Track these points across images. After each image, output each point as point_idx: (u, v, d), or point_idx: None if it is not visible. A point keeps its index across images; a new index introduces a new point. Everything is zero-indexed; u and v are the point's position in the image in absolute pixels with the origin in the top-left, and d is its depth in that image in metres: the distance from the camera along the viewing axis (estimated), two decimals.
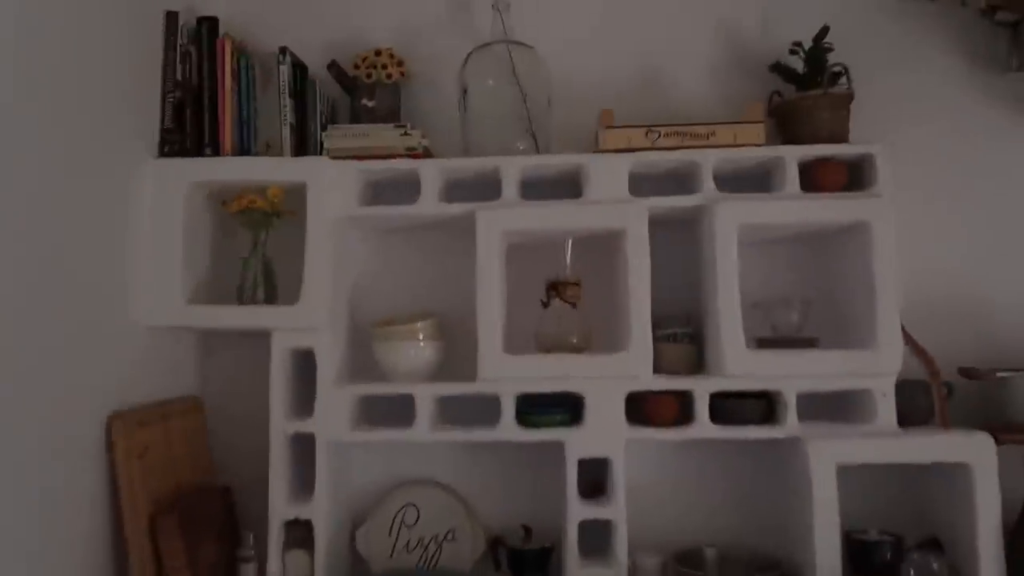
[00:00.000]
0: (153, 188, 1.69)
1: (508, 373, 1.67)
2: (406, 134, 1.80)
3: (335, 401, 1.70)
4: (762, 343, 1.75)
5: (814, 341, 1.73)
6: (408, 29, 1.99)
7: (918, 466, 1.66)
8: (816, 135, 1.76)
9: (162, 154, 1.72)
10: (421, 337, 1.76)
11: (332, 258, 1.72)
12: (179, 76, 1.75)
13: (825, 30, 1.80)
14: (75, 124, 1.47)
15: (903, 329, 1.66)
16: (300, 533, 1.70)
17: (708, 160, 1.71)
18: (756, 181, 1.82)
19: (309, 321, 1.68)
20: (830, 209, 1.67)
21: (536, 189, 1.86)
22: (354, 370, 1.84)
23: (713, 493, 1.84)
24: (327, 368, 1.70)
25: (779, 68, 1.85)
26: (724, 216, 1.66)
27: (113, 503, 1.51)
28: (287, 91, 1.79)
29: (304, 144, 1.82)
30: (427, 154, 1.83)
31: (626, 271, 1.68)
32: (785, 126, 1.83)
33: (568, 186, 1.87)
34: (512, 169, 1.73)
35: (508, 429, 1.68)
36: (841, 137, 1.77)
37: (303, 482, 1.72)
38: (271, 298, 1.78)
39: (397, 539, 1.83)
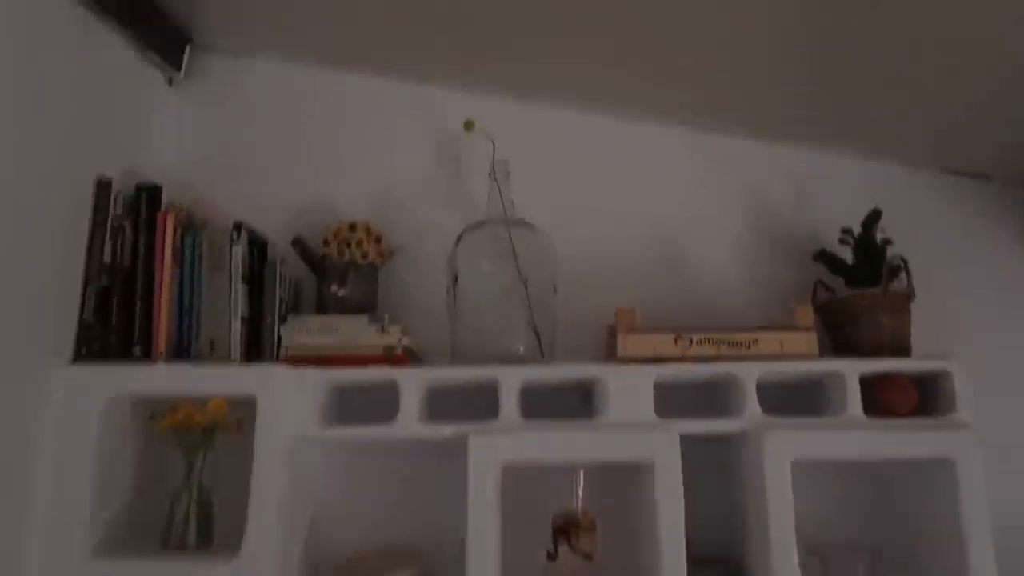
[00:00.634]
0: (61, 403, 1.33)
1: None
2: (383, 330, 1.48)
3: None
4: None
5: None
6: (388, 198, 1.71)
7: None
8: (876, 342, 1.47)
9: (77, 358, 1.38)
10: None
11: (286, 491, 1.36)
12: (107, 258, 1.42)
13: (876, 215, 1.54)
14: None
15: None
16: None
17: (751, 375, 1.41)
18: (804, 394, 1.52)
19: None
20: (905, 443, 1.36)
21: (539, 396, 1.54)
22: None
23: None
24: None
25: (825, 257, 1.58)
26: (775, 449, 1.35)
27: None
28: (240, 276, 1.47)
29: (258, 340, 1.49)
30: (408, 355, 1.51)
31: (654, 513, 1.34)
32: (835, 327, 1.54)
33: (579, 390, 1.55)
34: (512, 381, 1.41)
35: None
36: (903, 345, 1.49)
37: None
38: (206, 541, 1.41)
39: None
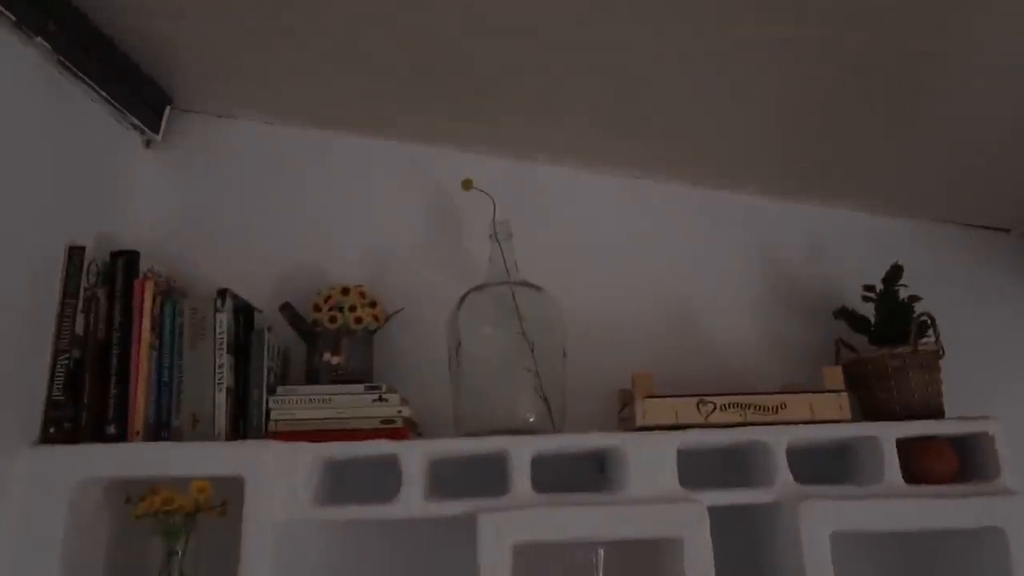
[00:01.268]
0: (27, 487, 1.20)
1: None
2: (381, 399, 1.37)
3: None
4: None
5: None
6: (382, 261, 1.61)
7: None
8: (907, 403, 1.38)
9: (45, 438, 1.25)
10: None
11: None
12: (79, 330, 1.31)
13: (898, 270, 1.48)
14: None
15: None
16: None
17: (781, 441, 1.31)
18: (835, 461, 1.43)
19: None
20: (950, 512, 1.26)
21: (549, 466, 1.43)
22: None
23: None
24: None
25: (847, 315, 1.50)
26: (813, 521, 1.24)
27: None
28: (225, 345, 1.36)
29: (245, 413, 1.37)
30: (408, 426, 1.39)
31: None
32: (861, 388, 1.45)
33: (591, 461, 1.44)
34: (523, 453, 1.30)
35: None
36: (935, 405, 1.40)
37: None
38: None
39: None
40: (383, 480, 1.30)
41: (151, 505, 1.26)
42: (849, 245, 1.64)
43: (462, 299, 1.44)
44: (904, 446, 1.34)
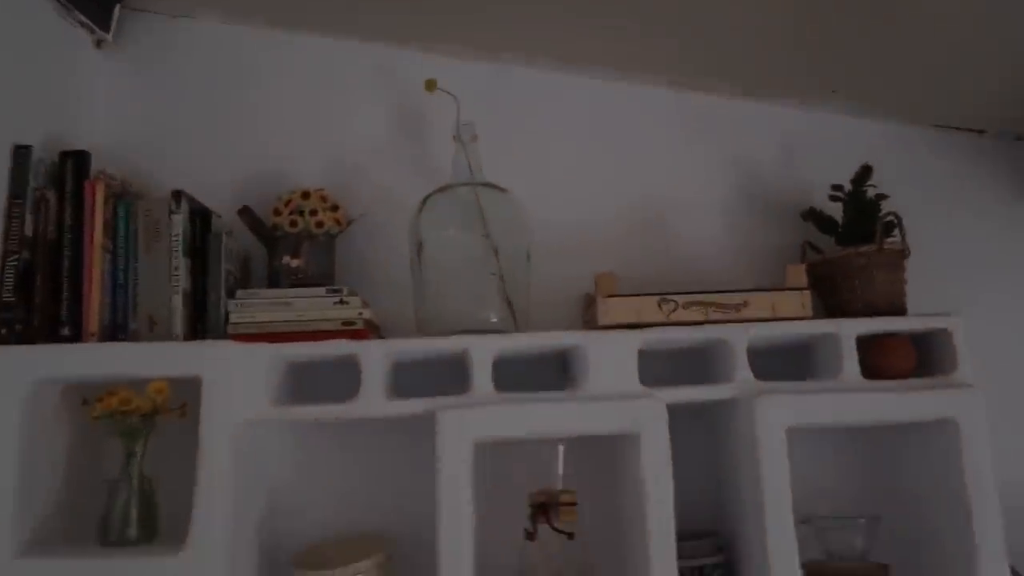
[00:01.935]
0: None
1: None
2: (342, 302, 1.36)
3: None
4: (815, 573, 1.32)
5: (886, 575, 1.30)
6: (345, 165, 1.58)
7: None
8: (871, 302, 1.38)
9: None
10: None
11: (236, 478, 1.23)
12: (28, 231, 1.28)
13: (867, 171, 1.46)
14: None
15: (1013, 571, 1.24)
16: None
17: (741, 339, 1.31)
18: (796, 360, 1.43)
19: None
20: (905, 405, 1.27)
21: (513, 367, 1.43)
22: None
23: None
24: None
25: (814, 216, 1.48)
26: (769, 415, 1.25)
27: None
28: (181, 248, 1.34)
29: (203, 318, 1.36)
30: (369, 329, 1.38)
31: (640, 487, 1.23)
32: (826, 289, 1.45)
33: (555, 362, 1.45)
34: (484, 352, 1.29)
35: None
36: (899, 304, 1.40)
37: None
38: (148, 535, 1.28)
39: None
40: (346, 383, 1.29)
41: (108, 406, 1.25)
42: (822, 148, 1.61)
43: (424, 200, 1.41)
44: (865, 344, 1.35)
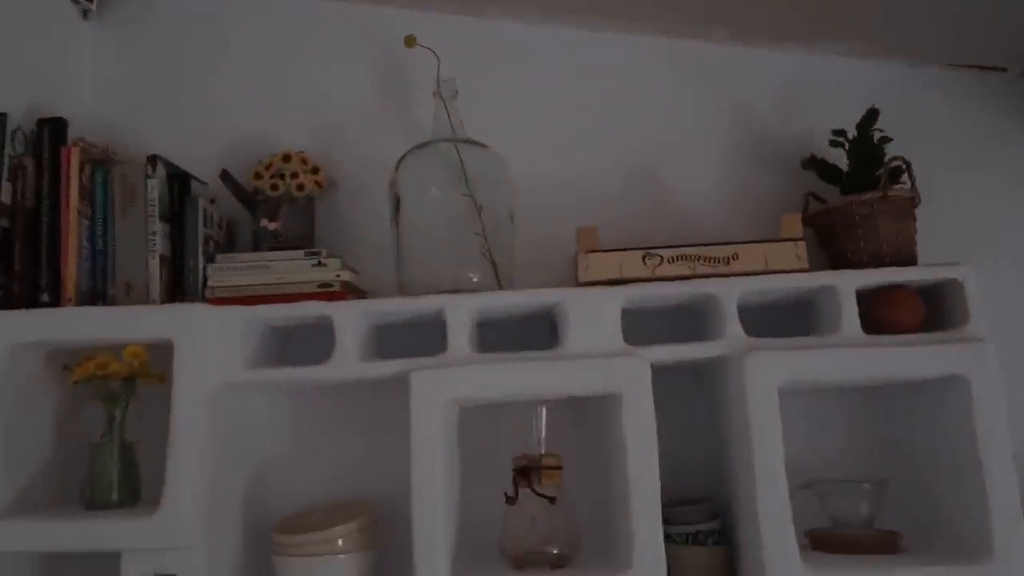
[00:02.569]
0: None
1: None
2: (320, 265, 1.33)
3: None
4: (819, 542, 1.25)
5: (896, 543, 1.22)
6: (326, 127, 1.55)
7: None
8: (876, 253, 1.29)
9: None
10: (341, 545, 1.24)
11: (212, 442, 1.22)
12: (6, 199, 1.29)
13: (873, 114, 1.36)
14: None
15: None
16: None
17: (731, 294, 1.24)
18: (795, 315, 1.35)
19: (173, 538, 1.17)
20: (910, 360, 1.19)
21: (498, 331, 1.39)
22: None
23: None
24: None
25: (816, 164, 1.40)
26: (760, 374, 1.18)
27: None
28: (157, 213, 1.33)
29: (181, 282, 1.35)
30: (350, 292, 1.36)
31: (623, 448, 1.18)
32: (829, 240, 1.37)
33: (541, 324, 1.40)
34: (461, 312, 1.25)
35: None
36: (907, 254, 1.31)
37: None
38: (131, 499, 1.28)
39: None
40: (327, 347, 1.27)
41: (86, 370, 1.25)
42: (825, 94, 1.52)
43: (402, 158, 1.37)
44: (869, 298, 1.26)
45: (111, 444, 1.28)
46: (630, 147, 1.51)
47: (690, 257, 1.26)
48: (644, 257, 1.26)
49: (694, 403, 1.37)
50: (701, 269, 1.25)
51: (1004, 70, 1.49)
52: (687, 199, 1.47)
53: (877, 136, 1.35)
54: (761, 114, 1.52)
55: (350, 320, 1.25)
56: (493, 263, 1.33)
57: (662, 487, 1.16)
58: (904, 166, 1.32)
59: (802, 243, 1.25)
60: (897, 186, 1.32)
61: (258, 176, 1.43)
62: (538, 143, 1.50)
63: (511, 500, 1.23)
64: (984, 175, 1.47)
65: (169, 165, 1.37)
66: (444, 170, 1.35)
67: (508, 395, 1.22)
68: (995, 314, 1.25)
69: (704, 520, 1.26)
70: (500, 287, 1.32)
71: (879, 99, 1.40)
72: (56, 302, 1.28)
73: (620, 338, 1.23)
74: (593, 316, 1.24)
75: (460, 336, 1.24)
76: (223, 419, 1.26)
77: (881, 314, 1.24)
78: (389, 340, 1.39)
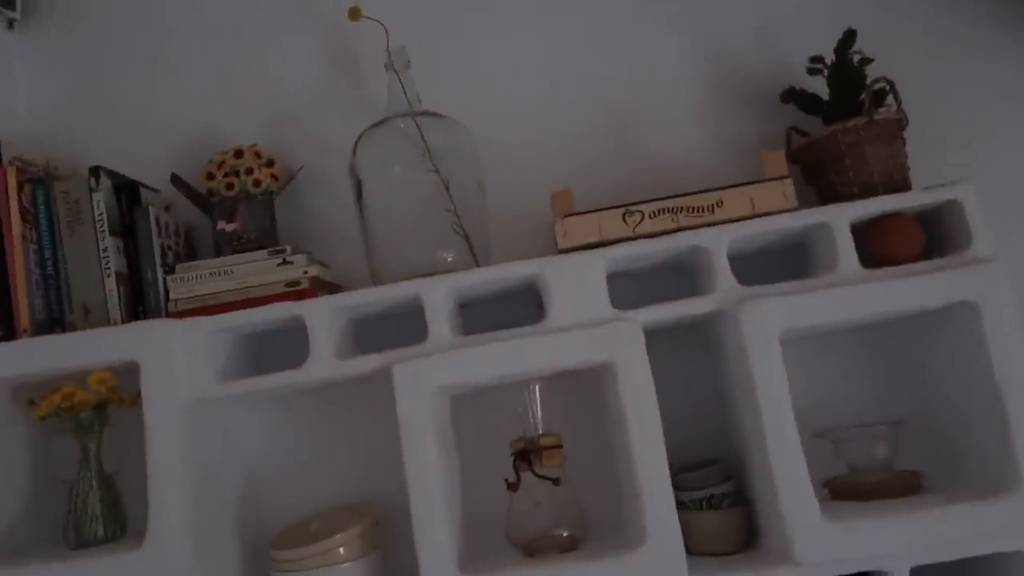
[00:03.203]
0: None
1: None
2: (285, 263, 1.26)
3: None
4: (839, 490, 1.19)
5: (918, 483, 1.16)
6: (277, 114, 1.47)
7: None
8: (868, 183, 1.22)
9: None
10: (343, 554, 1.19)
11: (193, 463, 1.15)
12: None
13: (851, 35, 1.28)
14: None
15: None
16: None
17: (720, 242, 1.16)
18: (788, 259, 1.29)
19: (162, 571, 1.11)
20: (913, 291, 1.12)
21: (482, 312, 1.32)
22: None
23: None
24: None
25: (795, 96, 1.32)
26: (758, 324, 1.11)
27: None
28: (107, 227, 1.25)
29: (142, 299, 1.28)
30: (321, 287, 1.28)
31: (623, 419, 1.12)
32: (817, 176, 1.29)
33: (527, 300, 1.33)
34: (437, 295, 1.18)
35: None
36: (900, 179, 1.23)
37: None
38: (118, 532, 1.22)
39: None
40: (305, 348, 1.20)
41: (51, 403, 1.19)
42: (801, 22, 1.43)
43: (358, 139, 1.29)
44: (864, 232, 1.20)
45: (89, 477, 1.21)
46: (599, 101, 1.43)
47: (672, 209, 1.18)
48: (624, 215, 1.19)
49: (691, 363, 1.30)
50: (685, 221, 1.18)
51: None
52: (665, 149, 1.40)
53: (856, 59, 1.27)
54: (735, 51, 1.43)
55: (322, 318, 1.18)
56: (467, 240, 1.26)
57: (668, 454, 1.11)
58: (888, 87, 1.24)
59: (788, 181, 1.18)
60: (882, 109, 1.24)
61: (211, 176, 1.35)
62: (502, 107, 1.42)
63: (513, 486, 1.17)
64: (973, 89, 1.39)
65: (114, 175, 1.29)
66: (405, 147, 1.28)
67: (497, 377, 1.16)
68: (1001, 234, 1.18)
69: (717, 483, 1.21)
70: (477, 265, 1.25)
71: (856, 20, 1.32)
72: (11, 335, 1.21)
73: (608, 304, 1.16)
74: (577, 283, 1.17)
75: (440, 321, 1.18)
76: (202, 437, 1.19)
77: (879, 246, 1.17)
78: (370, 333, 1.33)
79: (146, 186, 1.35)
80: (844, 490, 1.19)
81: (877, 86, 1.23)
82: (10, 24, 1.48)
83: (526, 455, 1.17)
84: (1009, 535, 1.07)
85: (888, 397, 1.27)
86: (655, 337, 1.18)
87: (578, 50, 1.44)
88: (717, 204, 1.18)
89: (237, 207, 1.32)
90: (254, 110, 1.46)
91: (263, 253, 1.28)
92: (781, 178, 1.18)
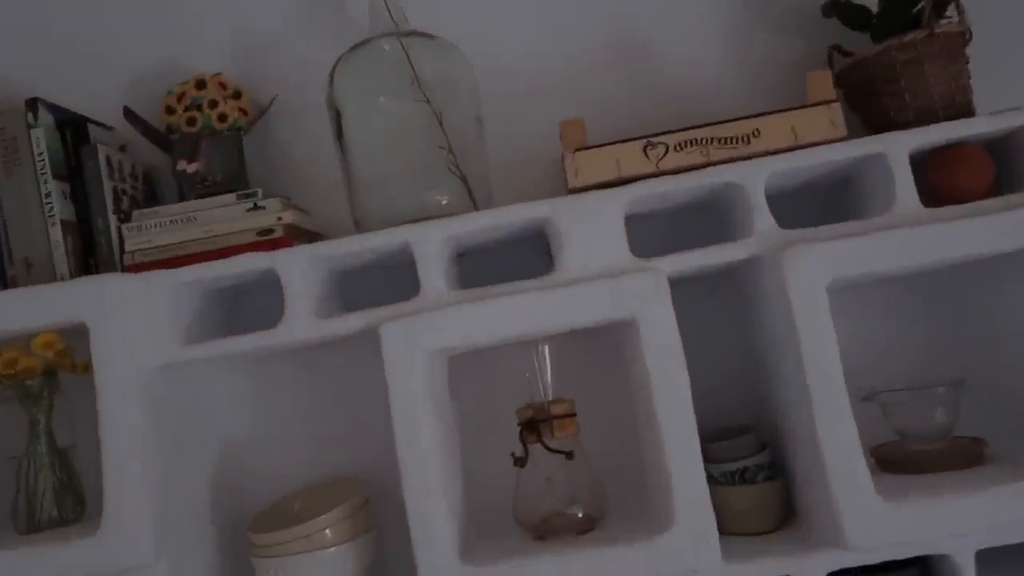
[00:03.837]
0: None
1: None
2: (256, 208, 1.10)
3: None
4: (888, 461, 1.05)
5: (980, 453, 1.02)
6: (249, 40, 1.29)
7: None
8: (926, 107, 1.05)
9: None
10: (329, 536, 1.05)
11: (155, 436, 1.01)
12: None
13: None
14: None
15: None
16: None
17: (757, 178, 1.00)
18: (834, 199, 1.13)
19: (121, 558, 0.97)
20: (984, 233, 0.96)
21: (485, 264, 1.17)
22: None
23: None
24: None
25: (839, 8, 1.14)
26: (803, 273, 0.95)
27: None
28: (49, 169, 1.09)
29: (93, 249, 1.12)
30: (298, 236, 1.13)
31: (647, 385, 0.97)
32: (864, 101, 1.12)
33: (535, 248, 1.17)
34: (430, 244, 1.02)
35: None
36: (962, 104, 1.07)
37: None
38: (76, 513, 1.08)
39: None
40: (281, 305, 1.05)
41: None
42: None
43: (336, 65, 1.12)
44: (925, 163, 1.03)
45: (40, 453, 1.07)
46: (614, 15, 1.25)
47: (701, 141, 1.02)
48: (645, 148, 1.02)
49: (722, 318, 1.15)
50: (716, 154, 1.01)
51: None
52: (689, 71, 1.22)
53: None
54: None
55: (298, 270, 1.02)
56: (464, 180, 1.10)
57: (696, 421, 0.96)
58: None
59: (836, 106, 1.02)
60: (943, 21, 1.07)
61: (170, 110, 1.18)
62: (499, 28, 1.25)
63: (520, 461, 1.03)
64: None
65: (57, 110, 1.13)
66: (390, 73, 1.11)
67: (500, 337, 1.00)
68: None
69: (751, 453, 1.06)
70: (476, 208, 1.09)
71: None
72: None
73: (627, 251, 1.01)
74: (591, 228, 1.01)
75: (434, 273, 1.02)
76: (165, 407, 1.04)
77: (942, 180, 1.01)
78: (357, 289, 1.18)
79: (96, 122, 1.18)
80: (894, 460, 1.05)
81: None
82: None
83: (535, 425, 1.03)
84: None
85: (945, 354, 1.12)
86: (681, 288, 1.03)
87: None
88: (753, 134, 1.01)
89: (200, 145, 1.16)
90: (218, 34, 1.28)
91: (231, 197, 1.12)
92: (828, 102, 1.02)
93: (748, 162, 1.00)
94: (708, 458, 1.03)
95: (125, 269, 1.09)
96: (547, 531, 1.02)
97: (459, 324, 0.99)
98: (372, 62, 1.11)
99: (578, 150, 1.03)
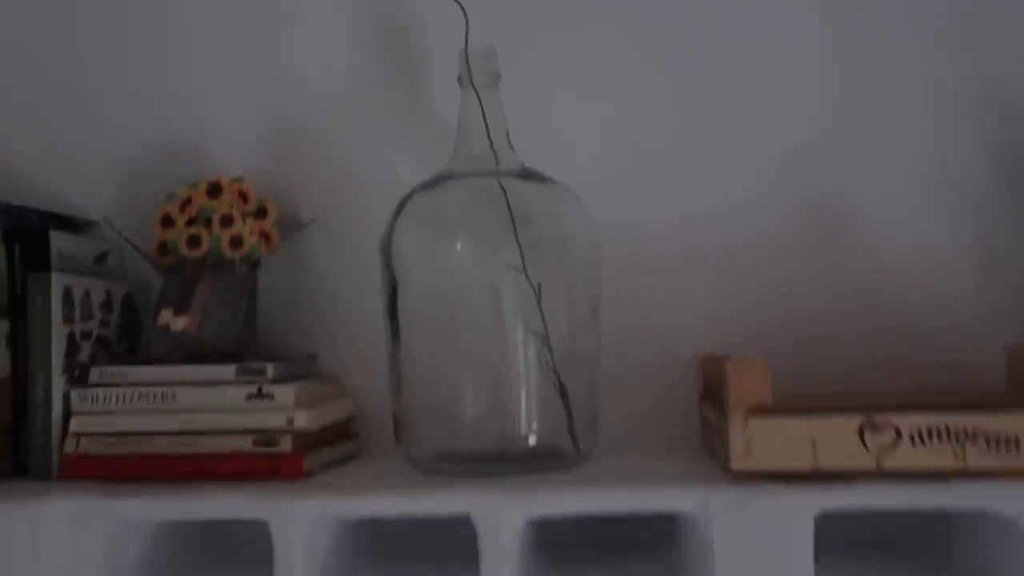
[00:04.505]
0: None
1: None
2: (260, 395, 0.76)
3: None
4: None
5: None
6: (286, 127, 0.93)
7: None
8: None
9: None
10: None
11: None
12: None
13: None
14: None
15: None
16: None
17: None
18: None
19: None
20: None
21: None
22: None
23: None
24: None
25: None
26: None
27: None
28: None
29: (23, 427, 0.79)
30: (308, 446, 0.78)
31: None
32: None
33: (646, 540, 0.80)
34: (504, 522, 0.66)
35: None
36: None
37: None
38: None
39: None
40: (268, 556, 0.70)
41: None
42: None
43: (400, 207, 0.77)
44: None
45: None
46: (798, 173, 0.86)
47: (956, 433, 0.63)
48: (863, 427, 0.64)
49: None
50: (977, 459, 0.63)
51: None
52: (891, 263, 0.83)
53: None
54: (984, 60, 0.85)
55: (299, 531, 0.67)
56: (566, 405, 0.74)
57: None
58: None
59: None
60: None
61: (168, 221, 0.85)
62: (623, 161, 0.87)
63: None
64: None
65: (8, 211, 0.79)
66: (474, 224, 0.75)
67: None
68: None
69: None
70: (578, 451, 0.73)
71: None
72: None
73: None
74: (760, 543, 0.63)
75: (502, 568, 0.66)
76: None
77: None
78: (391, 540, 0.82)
79: (65, 217, 0.85)
80: None
81: None
82: None
83: None
84: None
85: None
86: None
87: (756, 89, 0.87)
88: None
89: (195, 291, 0.81)
90: (247, 118, 0.93)
91: (230, 371, 0.77)
92: None
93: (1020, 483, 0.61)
94: None
95: (60, 470, 0.76)
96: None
97: None
98: (453, 209, 0.75)
99: (755, 412, 0.65)
